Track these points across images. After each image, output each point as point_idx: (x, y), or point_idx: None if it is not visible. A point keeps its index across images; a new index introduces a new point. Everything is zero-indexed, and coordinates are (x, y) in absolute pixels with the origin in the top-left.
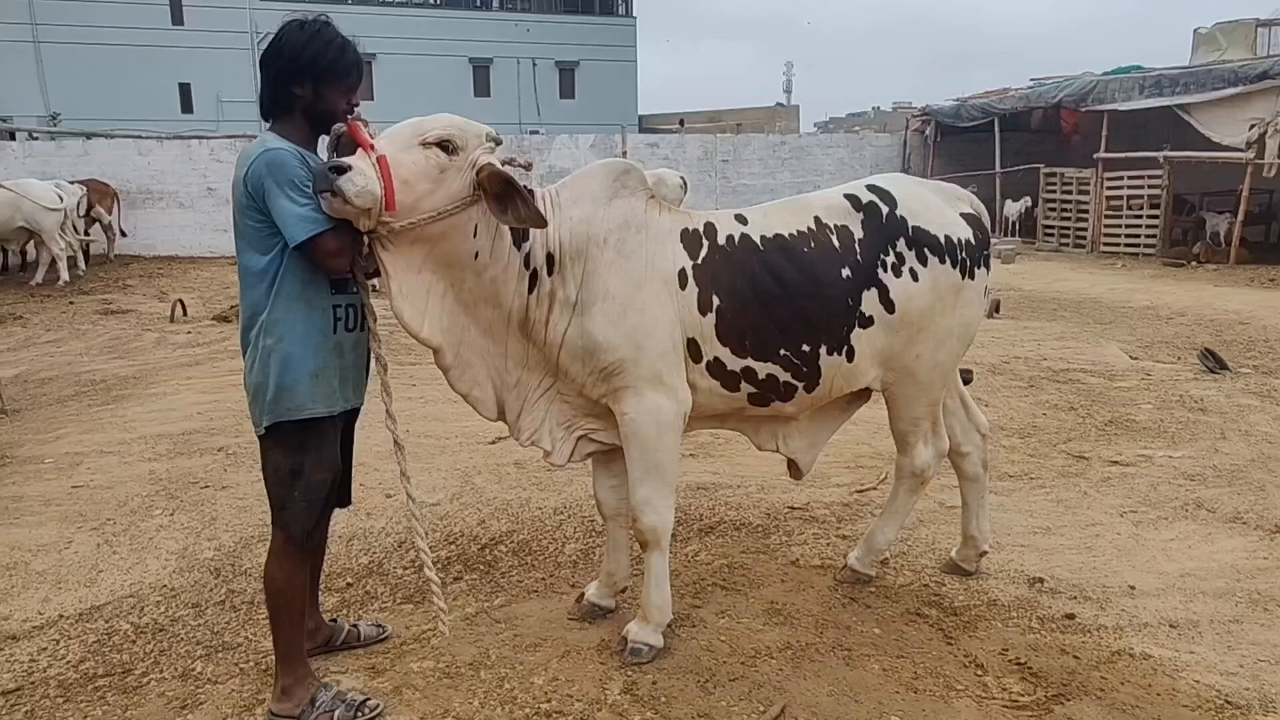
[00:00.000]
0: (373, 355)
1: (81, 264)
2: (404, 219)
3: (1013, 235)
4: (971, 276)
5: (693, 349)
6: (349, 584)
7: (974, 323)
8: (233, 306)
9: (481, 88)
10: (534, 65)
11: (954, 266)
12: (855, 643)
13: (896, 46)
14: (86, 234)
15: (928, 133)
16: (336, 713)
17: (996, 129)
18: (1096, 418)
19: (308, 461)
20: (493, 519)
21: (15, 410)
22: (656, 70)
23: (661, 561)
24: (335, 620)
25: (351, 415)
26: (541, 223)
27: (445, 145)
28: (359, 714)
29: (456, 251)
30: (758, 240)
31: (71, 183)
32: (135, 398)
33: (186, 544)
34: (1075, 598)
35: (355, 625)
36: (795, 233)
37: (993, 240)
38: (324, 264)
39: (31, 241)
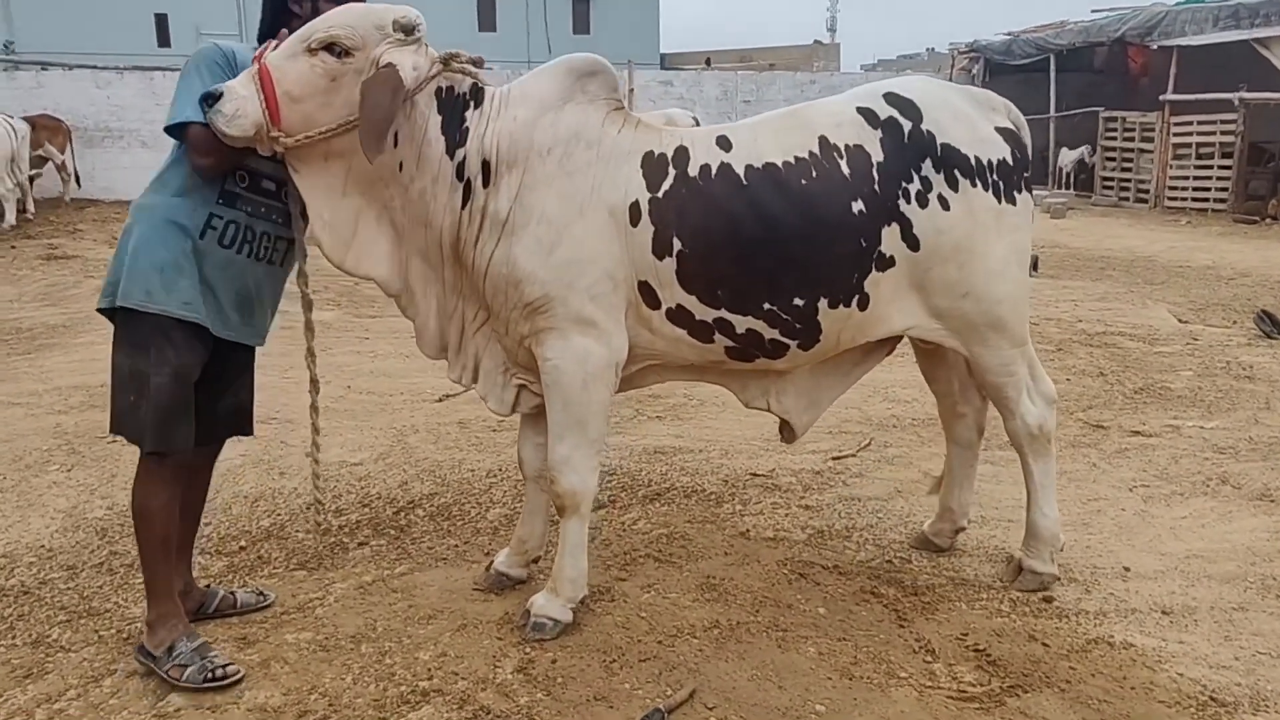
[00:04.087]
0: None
1: (30, 206)
2: (297, 134)
3: (1067, 188)
4: (1013, 201)
5: (646, 293)
6: (243, 547)
7: (1028, 247)
8: None
9: (486, 21)
10: None
11: (988, 190)
12: (793, 623)
13: None
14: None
15: (975, 71)
16: (189, 670)
17: (1052, 68)
18: (1126, 384)
19: (149, 363)
20: (416, 481)
21: None
22: (686, 6)
23: (579, 529)
24: (209, 586)
25: (234, 349)
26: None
27: (332, 48)
28: (210, 679)
29: (377, 165)
30: (740, 172)
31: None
32: (59, 347)
33: (77, 502)
34: (1058, 579)
35: (232, 592)
36: (793, 159)
37: (1040, 191)
38: (193, 159)
39: None
